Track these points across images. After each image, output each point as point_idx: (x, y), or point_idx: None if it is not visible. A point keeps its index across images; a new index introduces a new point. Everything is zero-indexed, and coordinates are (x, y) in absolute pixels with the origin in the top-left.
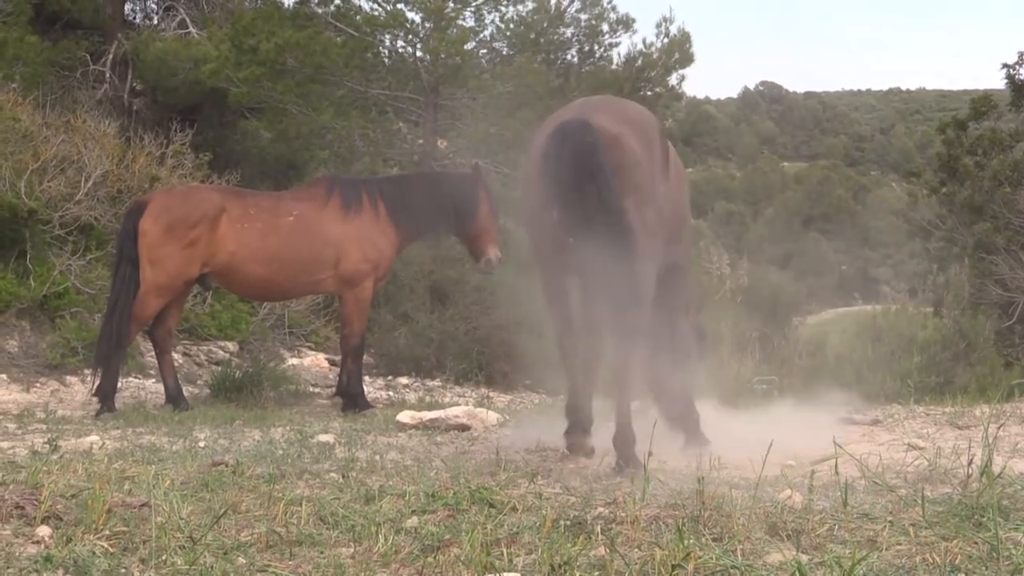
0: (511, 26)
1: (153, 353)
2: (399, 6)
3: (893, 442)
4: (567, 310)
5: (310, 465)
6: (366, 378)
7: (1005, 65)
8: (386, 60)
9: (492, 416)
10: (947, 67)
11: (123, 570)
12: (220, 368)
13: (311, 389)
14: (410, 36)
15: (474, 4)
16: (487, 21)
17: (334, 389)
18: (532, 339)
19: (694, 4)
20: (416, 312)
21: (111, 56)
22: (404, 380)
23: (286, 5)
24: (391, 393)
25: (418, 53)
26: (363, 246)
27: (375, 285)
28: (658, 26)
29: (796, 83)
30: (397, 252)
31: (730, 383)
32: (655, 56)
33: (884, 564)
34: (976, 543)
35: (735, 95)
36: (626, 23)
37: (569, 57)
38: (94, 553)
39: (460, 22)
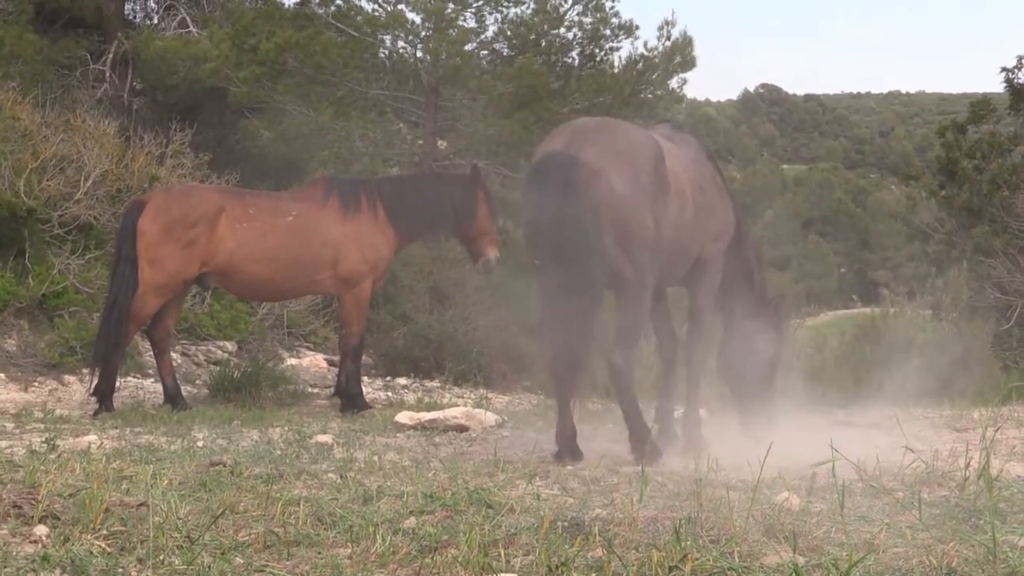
0: (511, 27)
1: (151, 353)
2: (399, 7)
3: (891, 445)
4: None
5: (308, 465)
6: (365, 378)
7: (1004, 69)
8: (386, 61)
9: (490, 417)
10: (947, 71)
11: (120, 570)
12: (218, 368)
13: (309, 389)
14: (410, 37)
15: (475, 5)
16: (488, 22)
17: (333, 389)
18: (530, 341)
19: (694, 5)
20: (415, 313)
21: (111, 55)
22: (403, 381)
23: (286, 5)
24: (390, 394)
25: (418, 54)
26: (362, 247)
27: (374, 286)
28: (660, 29)
29: (796, 86)
30: (396, 253)
31: None
32: (656, 60)
33: (881, 566)
34: (973, 546)
35: (735, 97)
36: (628, 29)
37: (570, 60)
38: (91, 552)
39: (460, 23)
